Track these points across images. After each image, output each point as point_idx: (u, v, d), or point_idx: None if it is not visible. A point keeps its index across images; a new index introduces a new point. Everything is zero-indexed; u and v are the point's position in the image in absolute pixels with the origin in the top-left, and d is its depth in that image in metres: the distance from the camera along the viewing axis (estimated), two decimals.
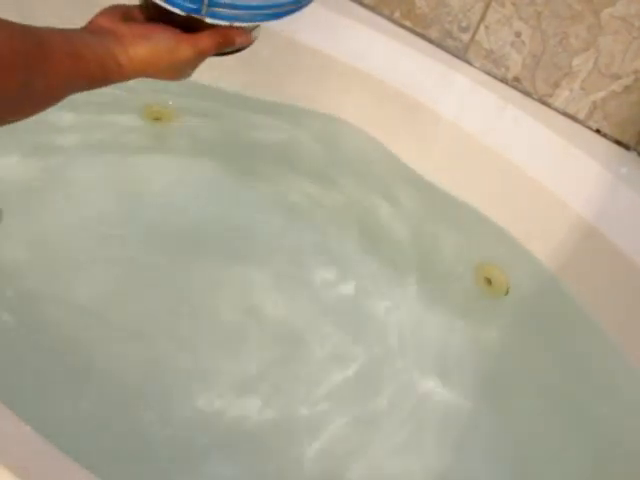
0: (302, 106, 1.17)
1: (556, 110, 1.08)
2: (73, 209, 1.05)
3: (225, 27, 0.62)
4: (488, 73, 1.11)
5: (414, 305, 1.06)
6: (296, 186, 1.15)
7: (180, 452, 0.86)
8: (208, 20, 0.60)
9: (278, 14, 0.65)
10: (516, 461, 0.94)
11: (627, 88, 1.03)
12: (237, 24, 0.61)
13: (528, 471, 0.93)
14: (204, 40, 0.62)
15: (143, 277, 1.02)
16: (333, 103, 1.15)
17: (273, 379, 0.95)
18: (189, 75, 0.66)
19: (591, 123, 1.07)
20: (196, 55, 0.62)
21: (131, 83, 0.62)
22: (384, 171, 1.15)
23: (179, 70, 0.63)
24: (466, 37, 1.10)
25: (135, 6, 0.64)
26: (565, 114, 1.08)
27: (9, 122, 0.49)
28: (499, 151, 1.05)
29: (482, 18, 1.08)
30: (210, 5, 0.58)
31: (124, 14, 0.62)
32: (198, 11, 0.59)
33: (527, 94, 1.09)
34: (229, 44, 0.64)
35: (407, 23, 1.14)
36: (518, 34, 1.06)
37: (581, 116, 1.07)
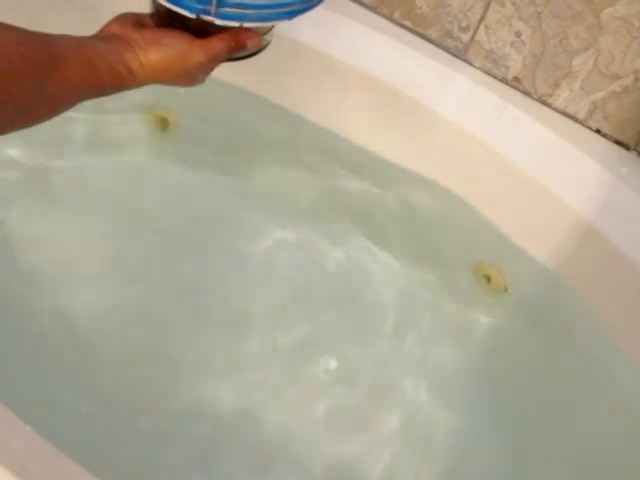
0: (301, 106, 1.17)
1: (556, 110, 1.08)
2: (73, 209, 1.05)
3: (236, 29, 0.62)
4: (488, 73, 1.11)
5: (414, 304, 1.06)
6: (296, 187, 1.15)
7: (180, 452, 0.86)
8: (218, 22, 0.59)
9: (288, 14, 0.65)
10: (514, 459, 0.94)
11: (627, 88, 1.03)
12: (247, 24, 0.61)
13: (525, 467, 0.93)
14: (216, 43, 0.62)
15: (142, 278, 1.02)
16: (332, 103, 1.15)
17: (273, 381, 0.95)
18: (202, 81, 0.66)
19: (591, 123, 1.07)
20: (209, 59, 0.62)
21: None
22: (384, 171, 1.15)
23: (192, 76, 0.63)
24: (466, 37, 1.10)
25: (146, 13, 0.64)
26: (565, 114, 1.08)
27: (20, 128, 0.50)
28: (499, 151, 1.05)
29: (482, 18, 1.08)
30: (219, 5, 0.58)
31: (135, 21, 0.61)
32: (207, 12, 0.58)
33: (527, 94, 1.09)
34: (241, 46, 0.64)
35: (407, 23, 1.14)
36: (518, 34, 1.06)
37: (581, 116, 1.07)
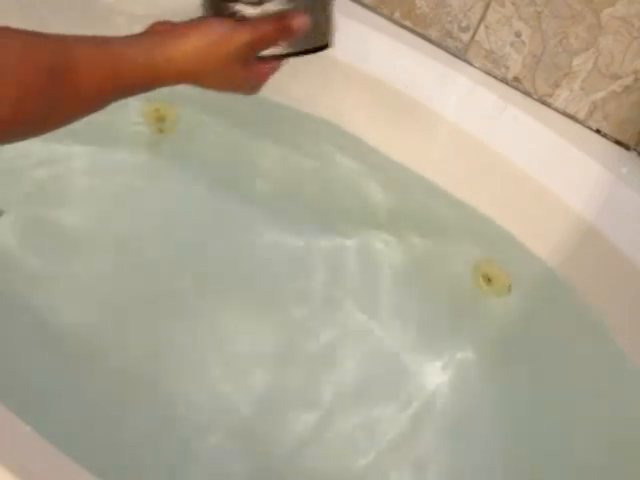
0: (301, 106, 1.17)
1: (556, 110, 1.08)
2: (72, 209, 1.05)
3: (282, 13, 0.56)
4: (488, 73, 1.11)
5: (413, 304, 1.06)
6: (296, 186, 1.15)
7: (181, 452, 0.86)
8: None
9: None
10: (514, 459, 0.94)
11: (627, 88, 1.03)
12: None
13: (525, 469, 0.93)
14: (259, 23, 0.55)
15: (139, 281, 1.02)
16: (332, 103, 1.15)
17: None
18: (255, 89, 0.59)
19: (591, 123, 1.07)
20: (254, 39, 0.55)
21: None
22: (383, 170, 1.15)
23: (238, 71, 0.55)
24: (466, 37, 1.10)
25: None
26: (565, 114, 1.08)
27: (37, 135, 0.46)
28: (499, 151, 1.05)
29: (482, 18, 1.08)
30: None
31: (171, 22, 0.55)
32: None
33: (527, 94, 1.09)
34: (287, 29, 0.58)
35: (407, 23, 1.14)
36: (518, 34, 1.06)
37: (581, 116, 1.07)
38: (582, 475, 0.91)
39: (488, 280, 1.07)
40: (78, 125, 1.14)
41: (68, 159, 1.09)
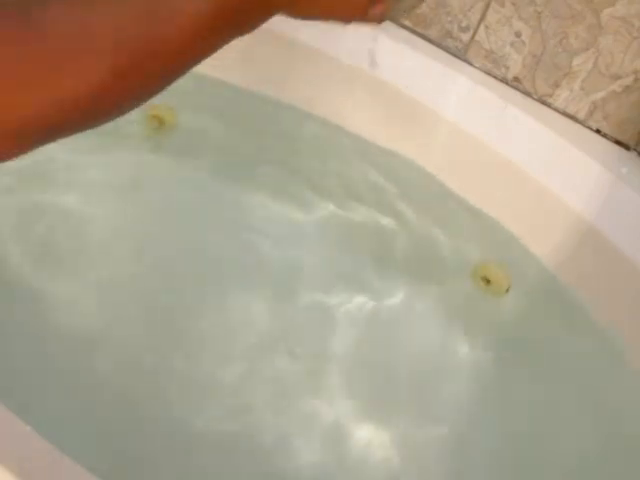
0: (301, 106, 1.17)
1: (556, 110, 1.08)
2: (71, 208, 1.05)
3: None
4: (488, 73, 1.11)
5: (413, 303, 1.06)
6: (297, 187, 1.15)
7: (181, 452, 0.86)
8: None
9: None
10: (512, 458, 0.94)
11: (627, 88, 1.03)
12: None
13: (524, 468, 0.93)
14: None
15: (139, 279, 1.02)
16: (332, 103, 1.15)
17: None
18: (379, 16, 0.44)
19: (591, 123, 1.07)
20: None
21: None
22: (383, 170, 1.15)
23: None
24: (466, 37, 1.10)
25: None
26: (565, 114, 1.08)
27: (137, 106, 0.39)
28: (499, 151, 1.05)
29: (482, 18, 1.08)
30: None
31: None
32: None
33: (527, 94, 1.09)
34: None
35: (407, 23, 1.14)
36: (518, 34, 1.06)
37: (581, 116, 1.07)
38: (582, 474, 0.91)
39: (487, 281, 1.07)
40: None
41: (63, 158, 1.09)
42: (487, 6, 1.07)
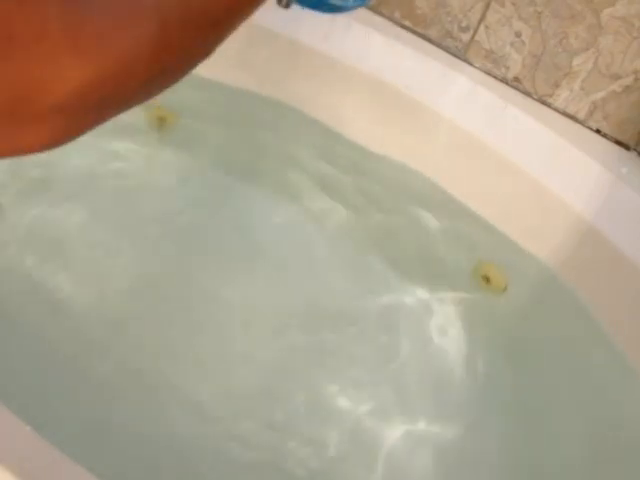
0: (302, 106, 1.17)
1: (556, 110, 1.08)
2: (71, 207, 1.05)
3: None
4: (488, 73, 1.11)
5: (413, 304, 1.06)
6: (297, 187, 1.15)
7: (181, 452, 0.86)
8: None
9: None
10: (512, 457, 0.94)
11: (627, 88, 1.03)
12: None
13: (524, 468, 0.93)
14: None
15: (141, 276, 1.02)
16: (333, 103, 1.15)
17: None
18: None
19: (591, 123, 1.07)
20: None
21: None
22: (383, 170, 1.15)
23: None
24: (466, 37, 1.10)
25: None
26: (565, 114, 1.08)
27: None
28: (499, 151, 1.05)
29: (482, 18, 1.08)
30: None
31: None
32: None
33: (527, 94, 1.09)
34: None
35: (407, 23, 1.14)
36: (518, 34, 1.06)
37: (581, 116, 1.07)
38: (582, 473, 0.91)
39: (487, 280, 1.07)
40: None
41: (64, 158, 1.09)
42: (487, 6, 1.07)
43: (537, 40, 1.05)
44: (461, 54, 1.12)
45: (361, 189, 1.16)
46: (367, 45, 1.12)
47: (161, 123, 1.17)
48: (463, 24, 1.10)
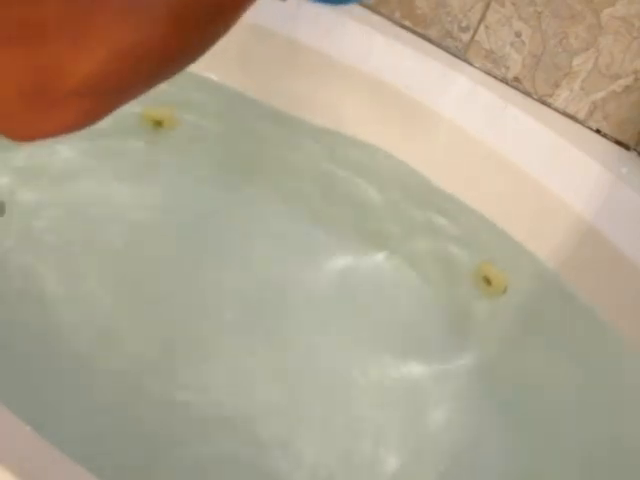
0: (301, 106, 1.17)
1: (556, 110, 1.08)
2: (70, 206, 1.05)
3: None
4: (488, 73, 1.11)
5: (413, 304, 1.06)
6: (297, 187, 1.15)
7: (181, 452, 0.86)
8: None
9: None
10: (514, 459, 0.94)
11: (627, 88, 1.03)
12: None
13: (528, 466, 0.93)
14: None
15: (141, 276, 1.02)
16: (332, 103, 1.15)
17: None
18: None
19: (591, 123, 1.07)
20: None
21: None
22: (384, 171, 1.15)
23: None
24: (466, 37, 1.10)
25: None
26: (565, 114, 1.08)
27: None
28: (499, 151, 1.05)
29: (482, 18, 1.08)
30: None
31: None
32: None
33: (527, 94, 1.09)
34: None
35: (407, 23, 1.14)
36: (518, 34, 1.06)
37: (581, 116, 1.07)
38: (584, 472, 0.91)
39: (488, 281, 1.07)
40: None
41: (61, 158, 1.09)
42: (487, 6, 1.07)
43: (537, 40, 1.05)
44: (461, 54, 1.12)
45: (361, 189, 1.16)
46: (367, 45, 1.12)
47: (159, 124, 1.17)
48: (463, 24, 1.10)
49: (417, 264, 1.10)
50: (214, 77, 1.15)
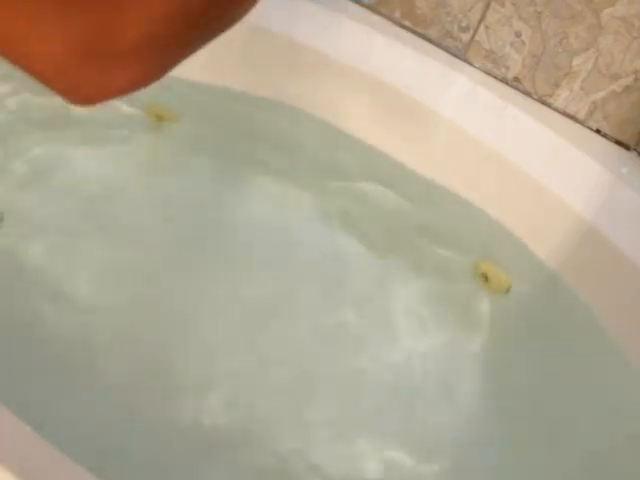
0: (301, 106, 1.17)
1: (556, 110, 1.08)
2: (70, 206, 1.05)
3: None
4: (488, 73, 1.11)
5: (413, 303, 1.06)
6: (296, 186, 1.15)
7: (180, 452, 0.86)
8: None
9: None
10: (514, 459, 0.94)
11: (627, 88, 1.03)
12: None
13: (526, 468, 0.93)
14: None
15: (141, 276, 1.02)
16: (333, 103, 1.15)
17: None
18: None
19: (591, 123, 1.07)
20: None
21: None
22: (384, 171, 1.15)
23: None
24: (466, 37, 1.10)
25: None
26: (565, 114, 1.08)
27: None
28: (499, 151, 1.05)
29: (482, 18, 1.08)
30: None
31: None
32: None
33: (527, 94, 1.09)
34: None
35: (407, 23, 1.14)
36: (518, 34, 1.06)
37: (581, 116, 1.07)
38: (583, 472, 0.91)
39: (487, 279, 1.07)
40: (73, 123, 1.14)
41: (62, 157, 1.09)
42: (487, 6, 1.07)
43: (537, 40, 1.05)
44: (461, 54, 1.12)
45: (361, 189, 1.16)
46: (367, 45, 1.12)
47: (160, 122, 1.17)
48: (463, 24, 1.10)
49: (417, 264, 1.10)
50: (215, 76, 1.15)
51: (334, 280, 1.08)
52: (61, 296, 0.96)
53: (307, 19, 1.12)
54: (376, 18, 1.15)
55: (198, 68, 1.05)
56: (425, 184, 1.12)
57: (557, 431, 0.95)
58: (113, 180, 1.11)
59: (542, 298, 1.07)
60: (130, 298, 0.99)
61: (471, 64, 1.11)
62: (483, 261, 1.09)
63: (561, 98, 1.07)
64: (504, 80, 1.10)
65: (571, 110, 1.07)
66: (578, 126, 1.07)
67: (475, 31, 1.09)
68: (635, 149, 1.05)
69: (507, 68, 1.09)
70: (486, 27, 1.08)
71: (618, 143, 1.06)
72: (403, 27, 1.14)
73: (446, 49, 1.12)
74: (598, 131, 1.07)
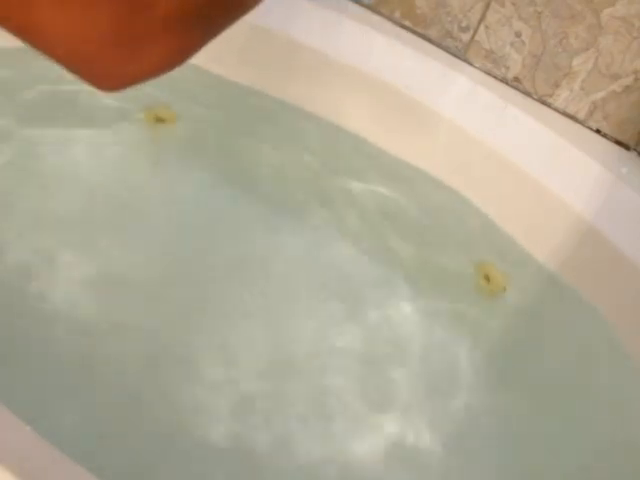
0: (302, 106, 1.17)
1: (556, 110, 1.08)
2: (68, 208, 1.05)
3: None
4: (488, 73, 1.11)
5: (413, 303, 1.06)
6: (297, 187, 1.15)
7: (181, 452, 0.86)
8: None
9: None
10: (512, 458, 0.94)
11: (627, 88, 1.03)
12: None
13: (527, 466, 0.93)
14: None
15: (139, 278, 1.02)
16: (333, 103, 1.15)
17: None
18: None
19: (591, 123, 1.07)
20: None
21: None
22: (384, 171, 1.15)
23: None
24: (466, 37, 1.10)
25: None
26: (565, 114, 1.08)
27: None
28: (499, 151, 1.05)
29: (482, 18, 1.08)
30: None
31: None
32: None
33: (527, 94, 1.09)
34: None
35: (407, 23, 1.14)
36: (518, 34, 1.06)
37: (581, 116, 1.07)
38: (582, 475, 0.91)
39: (487, 280, 1.07)
40: (74, 122, 1.14)
41: (62, 156, 1.09)
42: (487, 6, 1.07)
43: (537, 40, 1.05)
44: (461, 54, 1.12)
45: (361, 189, 1.16)
46: (367, 45, 1.12)
47: (159, 123, 1.17)
48: (463, 24, 1.10)
49: (417, 264, 1.10)
50: (215, 77, 1.15)
51: (329, 277, 1.08)
52: (62, 297, 0.96)
53: (307, 19, 1.12)
54: (376, 18, 1.15)
55: (198, 69, 1.06)
56: (425, 184, 1.12)
57: (557, 431, 0.95)
58: (112, 182, 1.11)
59: (542, 298, 1.07)
60: (125, 298, 0.99)
61: (471, 64, 1.11)
62: (483, 261, 1.09)
63: (561, 98, 1.07)
64: (504, 80, 1.10)
65: (571, 110, 1.07)
66: (578, 126, 1.07)
67: (475, 31, 1.09)
68: (635, 149, 1.05)
69: (507, 68, 1.09)
70: (486, 27, 1.08)
71: (618, 143, 1.06)
72: (403, 27, 1.14)
73: (446, 49, 1.12)
74: (598, 131, 1.07)
